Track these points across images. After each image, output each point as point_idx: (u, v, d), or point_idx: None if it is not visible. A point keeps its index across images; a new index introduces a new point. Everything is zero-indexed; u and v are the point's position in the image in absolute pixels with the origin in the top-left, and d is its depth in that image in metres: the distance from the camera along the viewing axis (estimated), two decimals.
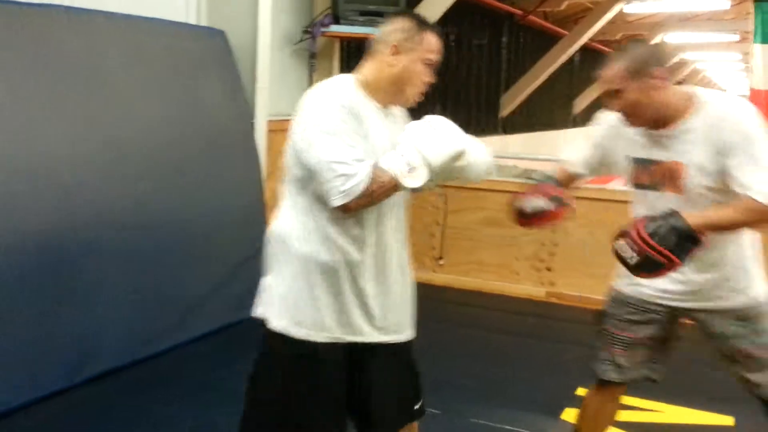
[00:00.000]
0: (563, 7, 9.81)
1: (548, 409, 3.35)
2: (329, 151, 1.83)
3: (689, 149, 2.13)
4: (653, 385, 3.60)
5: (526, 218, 2.41)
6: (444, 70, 8.40)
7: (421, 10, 5.84)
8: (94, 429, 3.01)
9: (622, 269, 2.19)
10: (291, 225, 1.97)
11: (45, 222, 3.10)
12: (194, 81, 4.06)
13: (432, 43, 1.98)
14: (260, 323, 2.04)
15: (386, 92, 1.98)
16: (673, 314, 2.35)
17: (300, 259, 1.95)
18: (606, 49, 15.52)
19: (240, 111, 4.35)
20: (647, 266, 2.07)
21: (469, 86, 9.49)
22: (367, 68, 2.00)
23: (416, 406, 2.18)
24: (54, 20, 3.36)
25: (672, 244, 2.03)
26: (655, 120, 2.15)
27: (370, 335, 2.02)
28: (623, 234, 2.11)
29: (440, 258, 5.49)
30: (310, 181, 1.90)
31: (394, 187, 1.88)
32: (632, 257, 2.08)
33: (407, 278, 2.11)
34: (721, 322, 2.28)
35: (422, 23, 2.00)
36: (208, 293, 3.84)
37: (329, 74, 5.71)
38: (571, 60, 14.54)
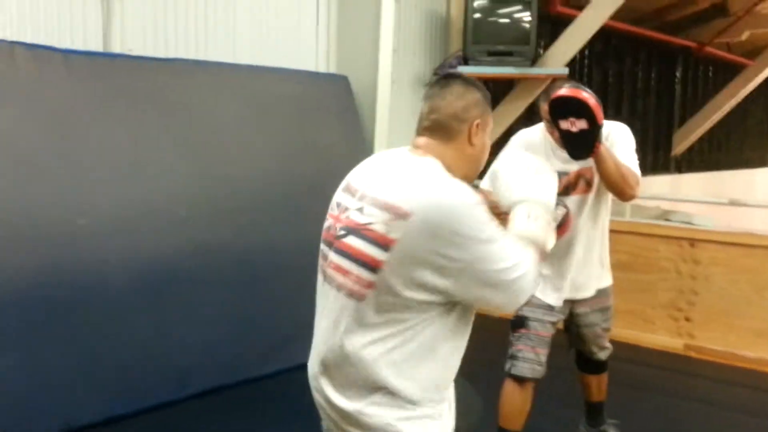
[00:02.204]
0: (744, 37, 9.04)
1: None
2: (501, 257, 1.52)
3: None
4: None
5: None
6: (616, 106, 8.12)
7: (558, 45, 5.73)
8: None
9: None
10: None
11: (158, 248, 3.49)
12: (312, 123, 4.33)
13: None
14: None
15: (463, 176, 1.63)
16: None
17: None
18: None
19: (358, 149, 4.54)
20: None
21: (641, 122, 9.09)
22: (445, 152, 1.63)
23: None
24: (180, 72, 3.79)
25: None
26: None
27: None
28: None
29: None
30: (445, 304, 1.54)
31: None
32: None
33: None
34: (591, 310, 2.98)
35: (482, 89, 1.71)
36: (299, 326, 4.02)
37: None
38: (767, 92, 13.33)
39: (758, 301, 4.48)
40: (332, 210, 1.68)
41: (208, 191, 3.73)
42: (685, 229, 4.85)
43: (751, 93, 11.68)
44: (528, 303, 2.67)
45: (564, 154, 2.66)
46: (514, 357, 2.87)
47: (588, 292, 2.94)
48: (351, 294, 1.55)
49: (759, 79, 9.29)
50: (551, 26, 6.57)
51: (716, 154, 11.24)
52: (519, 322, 2.88)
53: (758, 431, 3.60)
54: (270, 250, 3.94)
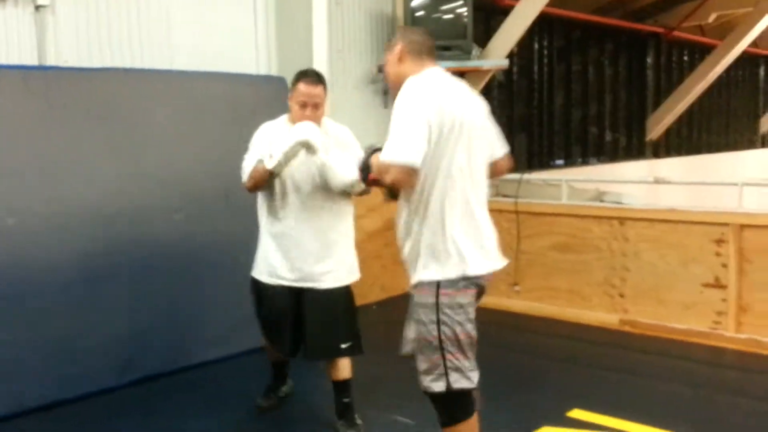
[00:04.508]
0: (711, 20, 9.14)
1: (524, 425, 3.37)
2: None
3: None
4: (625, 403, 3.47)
5: None
6: (584, 95, 8.22)
7: (498, 37, 5.93)
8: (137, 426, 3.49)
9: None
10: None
11: (90, 243, 3.76)
12: (247, 123, 4.51)
13: (300, 89, 3.12)
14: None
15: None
16: None
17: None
18: None
19: None
20: None
21: (614, 110, 9.24)
22: None
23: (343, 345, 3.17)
24: (112, 80, 4.04)
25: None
26: None
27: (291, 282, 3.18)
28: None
29: (515, 284, 5.45)
30: None
31: (264, 170, 3.02)
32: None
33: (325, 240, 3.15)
34: None
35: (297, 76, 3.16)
36: (243, 316, 4.25)
37: None
38: (755, 74, 13.31)
39: (684, 275, 4.66)
40: None
41: (138, 191, 3.98)
42: (615, 208, 5.03)
43: (736, 74, 11.72)
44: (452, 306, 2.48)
45: None
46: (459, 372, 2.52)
47: None
48: None
49: (728, 60, 9.36)
50: (504, 18, 6.74)
51: (697, 138, 11.31)
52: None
53: (687, 399, 3.76)
54: (204, 245, 4.19)
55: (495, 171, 2.62)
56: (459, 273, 2.37)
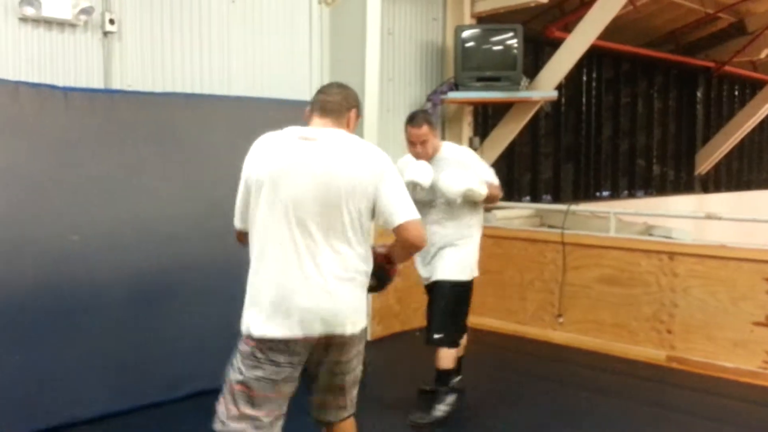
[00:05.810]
0: (763, 55, 9.03)
1: None
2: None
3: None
4: None
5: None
6: (632, 127, 8.26)
7: (548, 69, 5.96)
8: None
9: None
10: None
11: (146, 261, 3.88)
12: None
13: (409, 131, 3.71)
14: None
15: None
16: None
17: None
18: None
19: None
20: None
21: (662, 143, 9.17)
22: None
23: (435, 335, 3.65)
24: (173, 105, 4.19)
25: None
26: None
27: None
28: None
29: (560, 315, 5.42)
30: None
31: None
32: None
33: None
34: None
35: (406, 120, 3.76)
36: None
37: (458, 136, 6.07)
38: None
39: (734, 312, 4.58)
40: None
41: (196, 212, 4.10)
42: (664, 243, 4.98)
43: None
44: None
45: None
46: None
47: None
48: None
49: None
50: (553, 50, 6.79)
51: (747, 173, 11.13)
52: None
53: None
54: None
55: (398, 243, 2.54)
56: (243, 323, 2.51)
